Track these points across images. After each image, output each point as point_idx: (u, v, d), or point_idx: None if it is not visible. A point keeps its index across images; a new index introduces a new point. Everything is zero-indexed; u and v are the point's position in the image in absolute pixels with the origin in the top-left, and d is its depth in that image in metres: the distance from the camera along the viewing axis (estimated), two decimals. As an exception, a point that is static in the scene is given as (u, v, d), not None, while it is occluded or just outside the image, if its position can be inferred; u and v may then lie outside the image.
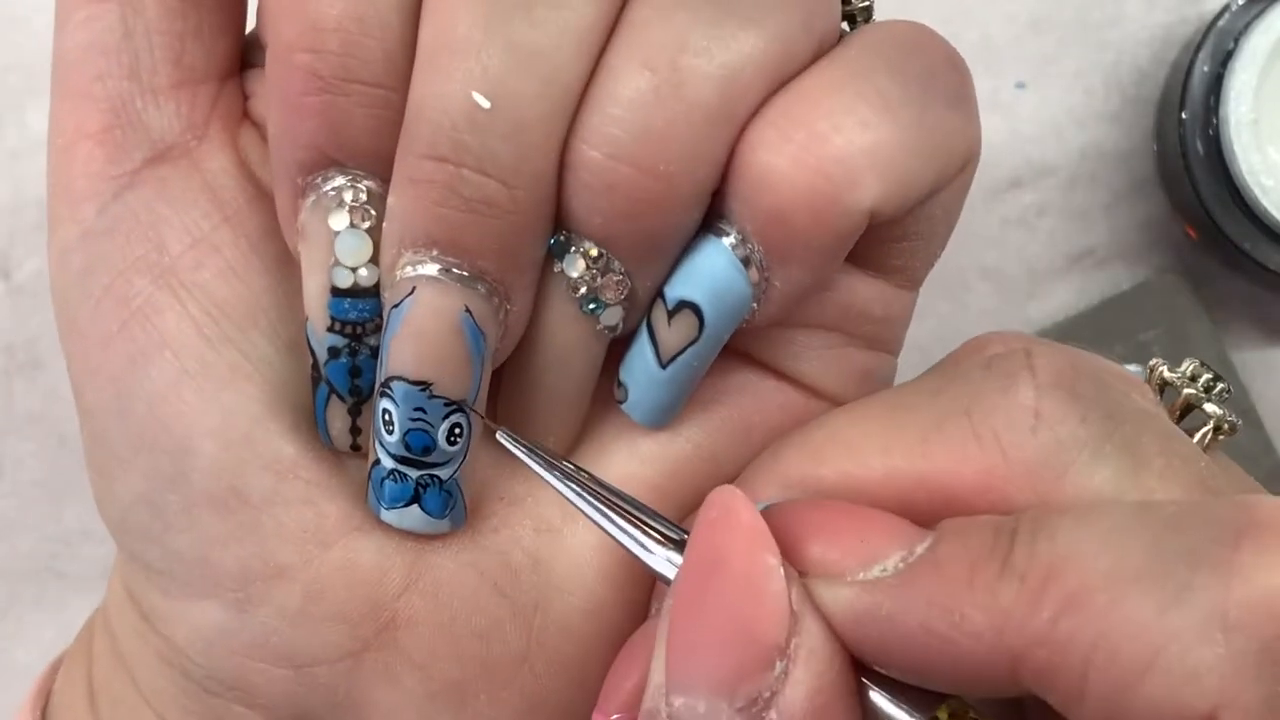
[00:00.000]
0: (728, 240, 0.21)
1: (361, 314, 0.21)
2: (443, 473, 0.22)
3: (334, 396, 0.22)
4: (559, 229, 0.21)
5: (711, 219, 0.21)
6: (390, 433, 0.21)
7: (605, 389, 0.23)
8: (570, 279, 0.21)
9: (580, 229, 0.20)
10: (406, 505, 0.22)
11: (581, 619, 0.23)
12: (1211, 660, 0.16)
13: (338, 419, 0.22)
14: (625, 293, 0.21)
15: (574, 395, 0.22)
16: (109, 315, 0.22)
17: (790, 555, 0.19)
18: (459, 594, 0.22)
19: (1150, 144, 0.40)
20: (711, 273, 0.21)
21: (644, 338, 0.22)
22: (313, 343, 0.22)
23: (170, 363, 0.22)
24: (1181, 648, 0.16)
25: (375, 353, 0.22)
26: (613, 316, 0.21)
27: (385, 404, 0.21)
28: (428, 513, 0.22)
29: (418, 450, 0.21)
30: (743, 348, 0.23)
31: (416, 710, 0.22)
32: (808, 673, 0.18)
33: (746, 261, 0.21)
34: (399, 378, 0.21)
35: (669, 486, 0.23)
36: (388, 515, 0.22)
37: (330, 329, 0.21)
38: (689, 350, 0.21)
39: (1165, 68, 0.40)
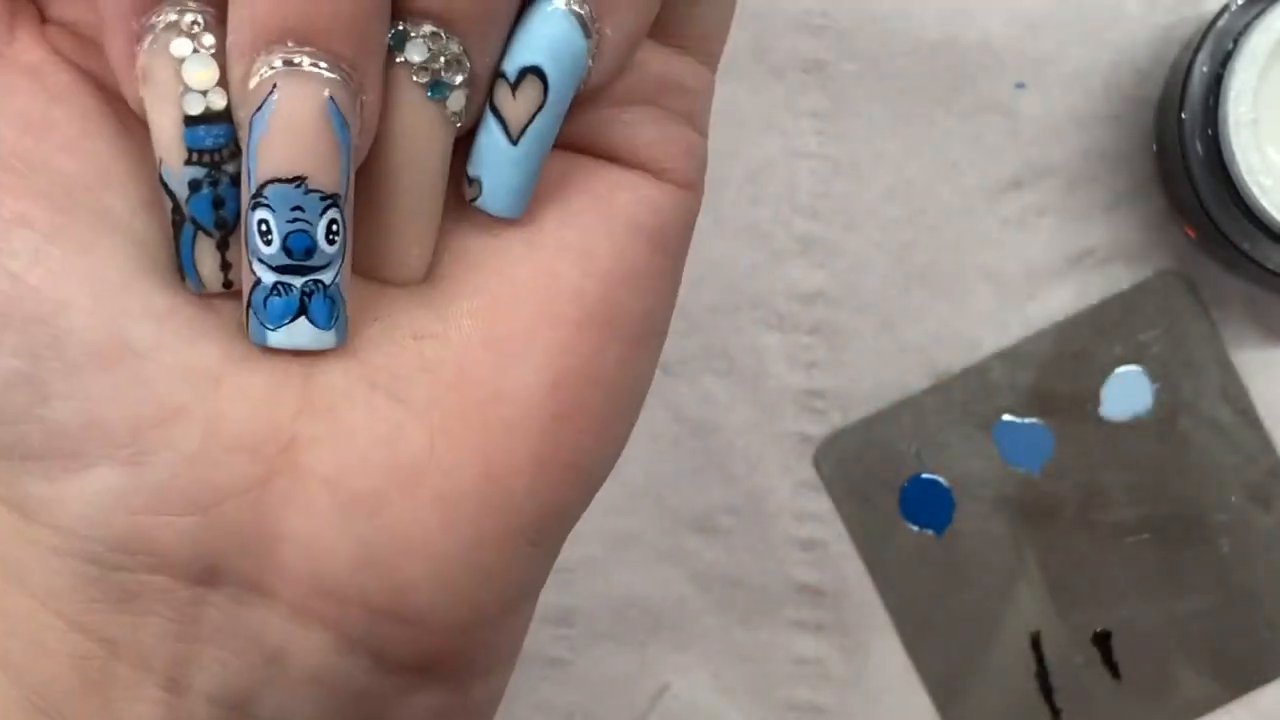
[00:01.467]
0: (559, 2, 0.22)
1: (218, 140, 0.22)
2: (326, 276, 0.22)
3: (200, 235, 0.22)
4: (395, 21, 0.21)
5: None
6: (269, 244, 0.21)
7: (462, 207, 0.23)
8: (413, 64, 0.22)
9: (417, 10, 0.21)
10: (294, 319, 0.22)
11: (478, 411, 0.23)
12: None
13: (207, 257, 0.22)
14: (467, 73, 0.22)
15: (431, 191, 0.23)
16: None
17: None
18: (355, 406, 0.23)
19: (1150, 144, 0.40)
20: (550, 34, 0.22)
21: (490, 122, 0.22)
22: (171, 184, 0.22)
23: (27, 236, 0.22)
24: None
25: (235, 181, 0.22)
26: (458, 101, 0.22)
27: (261, 214, 0.21)
28: (315, 324, 0.22)
29: (299, 253, 0.22)
30: (577, 140, 0.23)
31: (330, 528, 0.22)
32: None
33: (580, 18, 0.22)
34: (272, 180, 0.21)
35: (552, 284, 0.23)
36: (275, 337, 0.22)
37: (188, 161, 0.22)
38: (537, 118, 0.22)
39: (1165, 68, 0.40)
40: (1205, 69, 0.36)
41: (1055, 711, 0.41)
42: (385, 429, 0.22)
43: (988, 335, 0.41)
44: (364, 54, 0.21)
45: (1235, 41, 0.36)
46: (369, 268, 0.23)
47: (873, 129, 0.41)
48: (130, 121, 0.23)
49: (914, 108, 0.40)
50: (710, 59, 0.24)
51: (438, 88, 0.22)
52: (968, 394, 0.41)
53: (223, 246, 0.22)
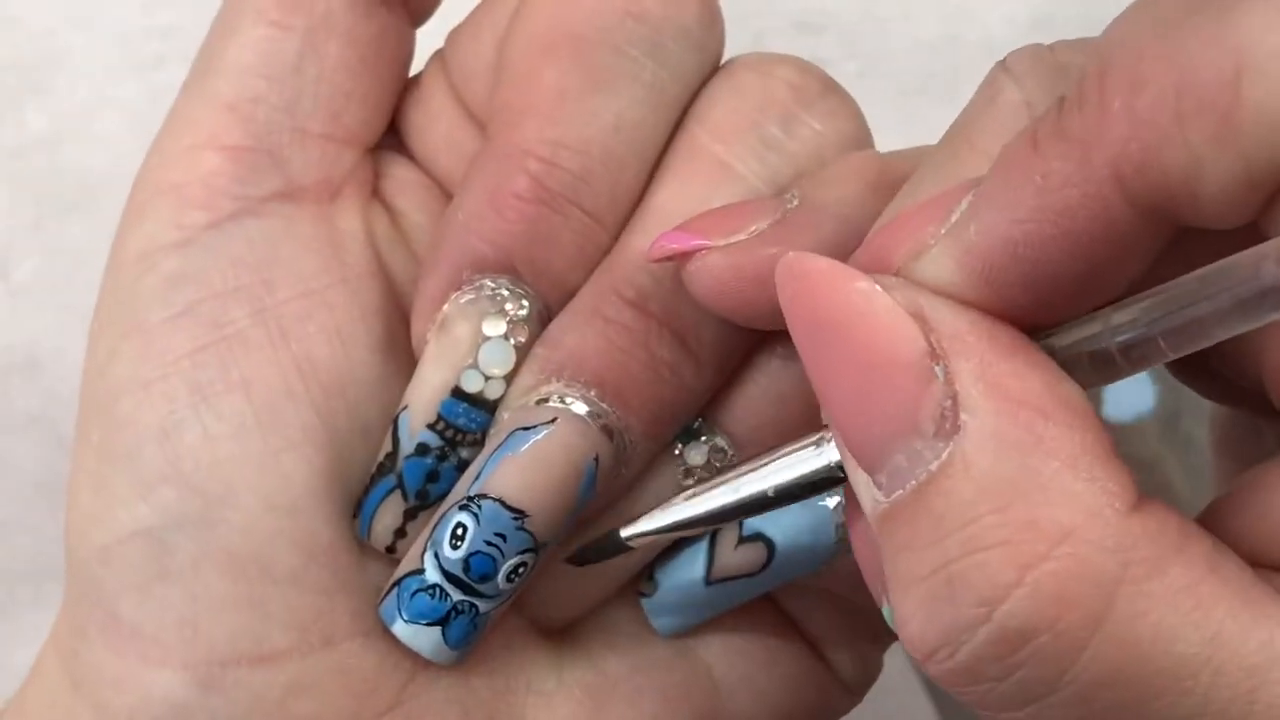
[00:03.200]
0: (834, 501, 0.20)
1: (471, 423, 0.21)
2: (483, 605, 0.21)
3: (396, 492, 0.21)
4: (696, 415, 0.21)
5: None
6: (455, 548, 0.20)
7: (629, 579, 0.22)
8: (686, 464, 0.21)
9: (727, 427, 0.20)
10: (429, 625, 0.21)
11: None
12: None
13: (388, 516, 0.21)
14: None
15: (619, 571, 0.22)
16: (187, 332, 0.21)
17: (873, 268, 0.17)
18: None
19: (1151, 144, 0.40)
20: (809, 523, 0.20)
21: (700, 550, 0.21)
22: (401, 433, 0.21)
23: (242, 404, 0.21)
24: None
25: (461, 465, 0.21)
26: None
27: (463, 517, 0.20)
28: (445, 640, 0.21)
29: (475, 576, 0.20)
30: (774, 596, 0.22)
31: None
32: (967, 363, 0.16)
33: (841, 525, 0.20)
34: (496, 499, 0.20)
35: (674, 701, 0.22)
36: (402, 628, 0.21)
37: (430, 426, 0.21)
38: (741, 581, 0.21)
39: (1166, 67, 0.40)
40: (1206, 69, 0.36)
41: (1056, 712, 0.41)
42: None
43: (988, 335, 0.41)
44: (654, 437, 0.20)
45: (1236, 41, 0.36)
46: (520, 597, 0.22)
47: (873, 129, 0.41)
48: (401, 341, 0.22)
49: (914, 108, 0.40)
50: None
51: None
52: (968, 394, 0.41)
53: (409, 515, 0.21)
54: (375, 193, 0.23)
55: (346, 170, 0.22)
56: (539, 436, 0.20)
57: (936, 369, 0.16)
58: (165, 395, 0.21)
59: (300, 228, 0.21)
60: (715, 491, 0.18)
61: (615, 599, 0.23)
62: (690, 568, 0.21)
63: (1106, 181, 0.15)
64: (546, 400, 0.20)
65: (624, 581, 0.22)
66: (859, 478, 0.16)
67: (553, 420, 0.20)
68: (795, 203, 0.20)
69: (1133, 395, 0.41)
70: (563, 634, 0.23)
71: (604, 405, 0.20)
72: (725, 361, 0.20)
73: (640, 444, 0.20)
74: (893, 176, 0.20)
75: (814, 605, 0.23)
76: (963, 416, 0.15)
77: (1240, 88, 0.14)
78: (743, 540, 0.21)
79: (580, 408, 0.20)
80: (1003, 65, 0.19)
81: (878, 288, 0.16)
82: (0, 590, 0.41)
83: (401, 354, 0.22)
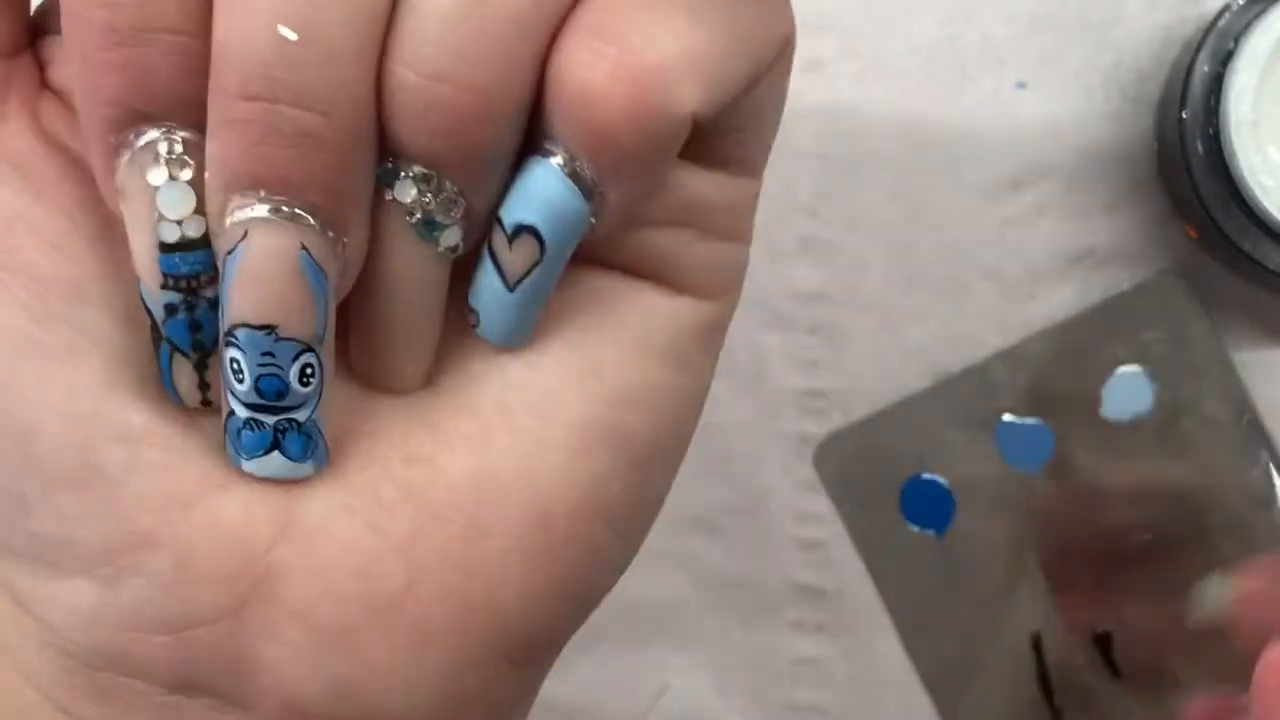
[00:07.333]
0: (556, 160, 0.20)
1: (194, 267, 0.21)
2: (300, 415, 0.21)
3: (177, 354, 0.22)
4: (384, 156, 0.20)
5: (538, 139, 0.21)
6: (241, 381, 0.21)
7: (464, 316, 0.22)
8: (403, 205, 0.21)
9: (406, 152, 0.20)
10: (267, 453, 0.21)
11: (462, 546, 0.22)
12: None
13: (184, 376, 0.22)
14: (461, 212, 0.21)
15: (424, 322, 0.22)
16: None
17: None
18: (332, 537, 0.22)
19: (1150, 144, 0.40)
20: (545, 195, 0.21)
21: (487, 263, 0.21)
22: (148, 303, 0.21)
23: (1, 346, 0.21)
24: None
25: (214, 305, 0.21)
26: (452, 237, 0.21)
27: (232, 353, 0.21)
28: (289, 458, 0.22)
29: (271, 395, 0.21)
30: (593, 255, 0.22)
31: (305, 660, 0.22)
32: None
33: (577, 178, 0.20)
34: (242, 324, 0.20)
35: (550, 409, 0.22)
36: (249, 465, 0.22)
37: (164, 286, 0.21)
38: (534, 272, 0.21)
39: (1165, 68, 0.40)
40: (1206, 69, 0.36)
41: (1055, 711, 0.41)
42: (362, 561, 0.22)
43: (988, 335, 0.41)
44: (343, 203, 0.20)
45: (1236, 41, 0.36)
46: (365, 377, 0.23)
47: (873, 129, 0.41)
48: (116, 223, 0.22)
49: (914, 109, 0.40)
50: (751, 170, 0.23)
51: (429, 227, 0.21)
52: (968, 394, 0.41)
53: (201, 368, 0.22)
54: (44, 84, 0.23)
55: (3, 88, 0.22)
56: (241, 255, 0.20)
57: None
58: None
59: None
60: None
61: (464, 345, 0.23)
62: (490, 284, 0.22)
63: None
64: (233, 218, 0.20)
65: (439, 319, 0.22)
66: None
67: (244, 235, 0.20)
68: None
69: (1131, 395, 0.41)
70: (427, 396, 0.23)
71: (279, 198, 0.20)
72: (353, 97, 0.20)
73: (337, 213, 0.20)
74: None
75: (630, 249, 0.22)
76: None
77: None
78: (511, 239, 0.21)
79: (261, 210, 0.20)
80: None
81: None
82: None
83: (121, 231, 0.22)
